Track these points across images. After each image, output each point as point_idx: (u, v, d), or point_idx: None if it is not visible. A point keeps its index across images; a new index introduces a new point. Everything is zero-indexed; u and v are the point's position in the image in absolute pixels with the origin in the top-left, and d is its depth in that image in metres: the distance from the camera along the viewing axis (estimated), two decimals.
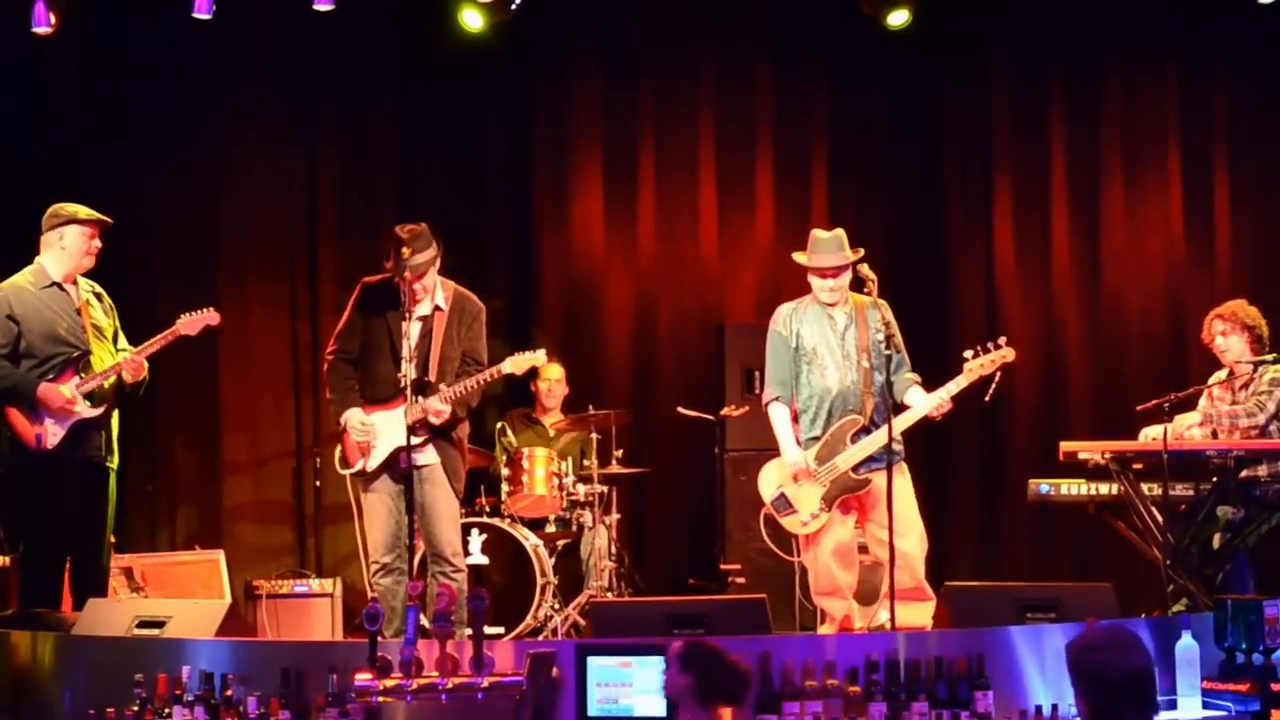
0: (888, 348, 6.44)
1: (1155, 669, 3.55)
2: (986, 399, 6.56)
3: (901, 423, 6.45)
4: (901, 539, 6.36)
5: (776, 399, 6.68)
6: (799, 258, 6.68)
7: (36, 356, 6.56)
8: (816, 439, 6.58)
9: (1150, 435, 6.88)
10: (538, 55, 9.34)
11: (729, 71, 9.46)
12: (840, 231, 6.67)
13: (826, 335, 6.61)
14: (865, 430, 6.51)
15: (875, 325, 6.53)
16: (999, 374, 6.47)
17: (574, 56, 9.43)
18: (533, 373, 8.77)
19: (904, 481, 6.52)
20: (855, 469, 6.50)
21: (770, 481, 6.70)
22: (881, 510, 6.39)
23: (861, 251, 6.60)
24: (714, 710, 4.19)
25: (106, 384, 6.64)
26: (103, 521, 6.68)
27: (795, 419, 6.68)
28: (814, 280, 6.64)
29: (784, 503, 6.64)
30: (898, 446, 6.46)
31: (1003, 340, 6.50)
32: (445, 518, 6.57)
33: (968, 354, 6.50)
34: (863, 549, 6.84)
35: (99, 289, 6.87)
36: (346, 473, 6.68)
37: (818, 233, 6.70)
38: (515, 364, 6.60)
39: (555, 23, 9.14)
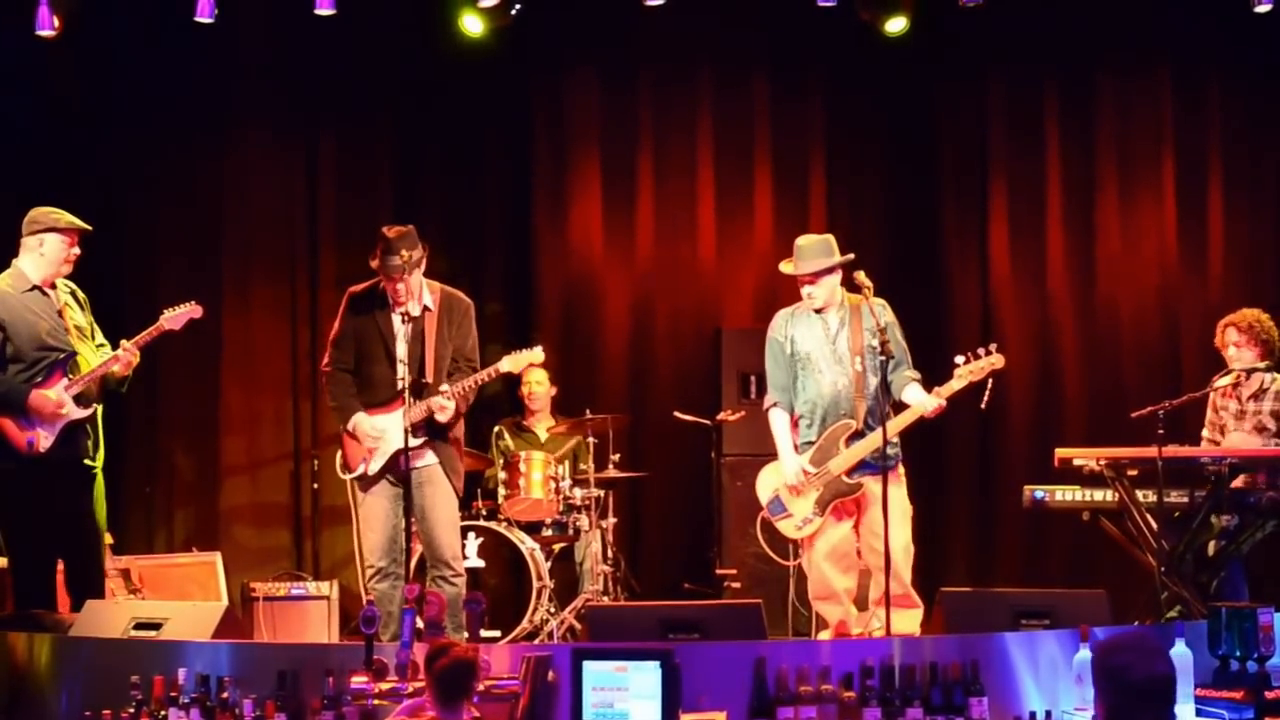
0: (882, 351, 6.37)
1: (1176, 679, 3.58)
2: (982, 406, 6.56)
3: (894, 426, 6.43)
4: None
5: (775, 405, 6.69)
6: (785, 267, 6.69)
7: (23, 361, 6.48)
8: (812, 444, 6.58)
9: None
10: (537, 59, 9.35)
11: (727, 77, 9.47)
12: (826, 236, 6.68)
13: (819, 339, 6.60)
14: (859, 434, 6.49)
15: (870, 327, 6.49)
16: (990, 380, 6.47)
17: (573, 61, 9.44)
18: (517, 377, 8.81)
19: (897, 489, 6.49)
20: (848, 473, 6.50)
21: (767, 485, 6.71)
22: (872, 515, 6.41)
23: (849, 256, 6.56)
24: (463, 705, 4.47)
25: (95, 384, 6.60)
26: (95, 521, 6.64)
27: (796, 425, 6.69)
28: (802, 287, 6.65)
29: (779, 506, 6.66)
30: (892, 450, 6.45)
31: (993, 347, 6.49)
32: (445, 522, 6.59)
33: (959, 359, 6.49)
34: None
35: (73, 286, 6.76)
36: (347, 477, 6.69)
37: (800, 239, 6.70)
38: (514, 362, 6.61)
39: (554, 27, 9.15)
